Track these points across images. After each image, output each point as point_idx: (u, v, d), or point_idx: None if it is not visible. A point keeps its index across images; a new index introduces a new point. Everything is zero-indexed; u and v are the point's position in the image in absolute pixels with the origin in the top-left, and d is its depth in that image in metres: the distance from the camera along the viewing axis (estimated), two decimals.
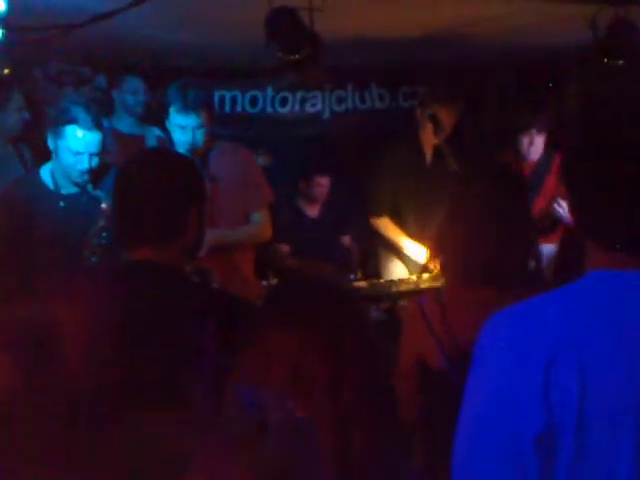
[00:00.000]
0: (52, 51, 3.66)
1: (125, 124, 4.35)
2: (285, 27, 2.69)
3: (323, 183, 4.89)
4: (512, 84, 5.02)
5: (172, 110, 3.19)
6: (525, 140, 4.16)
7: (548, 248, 4.31)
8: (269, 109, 5.22)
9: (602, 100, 1.21)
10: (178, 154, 2.46)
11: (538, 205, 4.52)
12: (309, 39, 2.80)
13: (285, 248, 4.73)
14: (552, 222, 4.33)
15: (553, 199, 4.27)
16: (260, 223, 3.53)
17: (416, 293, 3.75)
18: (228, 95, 5.08)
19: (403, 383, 2.10)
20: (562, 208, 4.01)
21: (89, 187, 2.95)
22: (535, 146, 4.28)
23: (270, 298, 1.51)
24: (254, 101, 5.18)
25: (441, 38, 4.00)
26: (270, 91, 5.19)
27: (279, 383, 1.28)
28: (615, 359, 1.07)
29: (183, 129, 3.19)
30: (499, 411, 1.10)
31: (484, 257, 1.99)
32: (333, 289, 1.45)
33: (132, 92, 4.27)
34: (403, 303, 3.75)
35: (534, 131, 4.16)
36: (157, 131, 4.29)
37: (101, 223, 2.90)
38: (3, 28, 2.20)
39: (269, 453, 1.04)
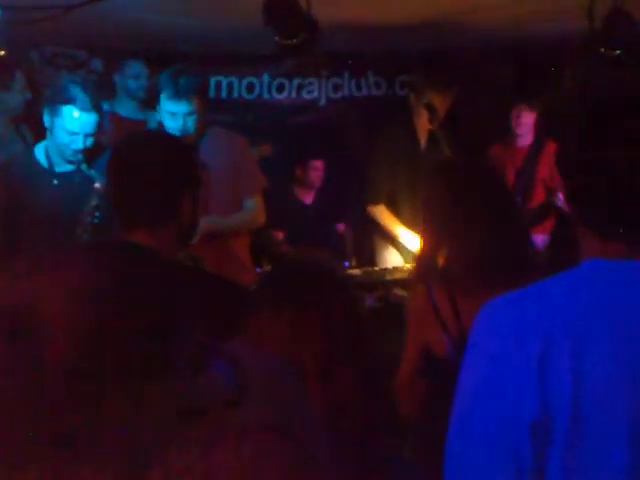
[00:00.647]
0: (48, 33, 3.64)
1: (127, 108, 4.33)
2: (283, 12, 2.68)
3: (319, 167, 4.90)
4: (507, 72, 5.03)
5: (163, 97, 3.17)
6: (514, 114, 4.19)
7: (539, 239, 4.33)
8: (266, 95, 5.19)
9: (600, 89, 1.22)
10: (174, 137, 2.45)
11: (533, 195, 4.54)
12: (306, 24, 2.79)
13: (279, 235, 4.74)
14: (545, 213, 4.36)
15: (552, 192, 4.28)
16: (253, 209, 3.52)
17: (409, 281, 3.76)
18: (225, 81, 5.06)
19: (406, 367, 2.10)
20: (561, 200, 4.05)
21: (83, 166, 2.95)
22: (523, 123, 4.31)
23: (263, 283, 1.51)
24: (251, 87, 5.16)
25: (438, 25, 3.99)
26: (267, 77, 5.16)
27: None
28: (610, 347, 1.07)
29: (174, 116, 3.17)
30: (494, 397, 1.10)
31: (487, 247, 1.99)
32: (327, 275, 1.45)
33: (134, 76, 4.25)
34: (397, 291, 3.75)
35: (524, 106, 4.19)
36: (159, 116, 4.27)
37: (94, 202, 2.90)
38: (1, 8, 2.18)
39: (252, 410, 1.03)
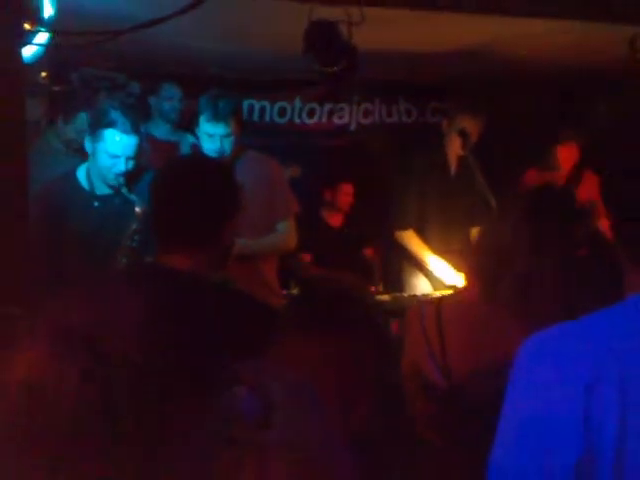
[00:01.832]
0: (88, 56, 3.72)
1: (161, 130, 4.40)
2: (324, 40, 2.71)
3: (348, 191, 4.92)
4: (543, 100, 5.02)
5: (202, 119, 3.23)
6: (560, 150, 4.16)
7: None
8: (296, 120, 5.25)
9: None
10: (215, 161, 2.48)
11: None
12: (347, 52, 2.82)
13: (307, 258, 4.75)
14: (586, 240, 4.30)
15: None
16: (285, 233, 3.55)
17: None
18: (257, 105, 5.13)
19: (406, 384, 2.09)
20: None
21: (124, 190, 2.99)
22: (569, 157, 4.27)
23: (291, 307, 1.51)
24: (282, 111, 5.22)
25: (473, 54, 4.01)
26: (298, 102, 5.22)
27: None
28: None
29: (211, 137, 3.23)
30: (538, 433, 1.09)
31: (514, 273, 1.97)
32: (354, 301, 1.45)
33: (168, 98, 4.32)
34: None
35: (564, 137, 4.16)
36: (191, 138, 4.33)
37: (134, 226, 2.93)
38: (50, 32, 2.23)
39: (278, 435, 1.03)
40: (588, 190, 4.25)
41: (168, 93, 4.34)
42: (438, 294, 3.87)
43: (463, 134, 3.85)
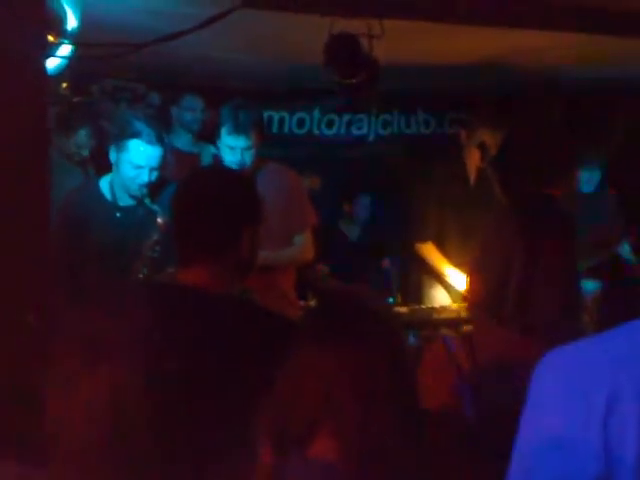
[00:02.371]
0: (109, 67, 3.75)
1: (182, 141, 4.43)
2: (345, 53, 2.72)
3: (366, 203, 4.91)
4: (561, 113, 4.99)
5: (223, 131, 3.24)
6: (581, 175, 4.13)
7: (589, 285, 4.24)
8: (315, 131, 5.26)
9: None
10: (237, 173, 2.49)
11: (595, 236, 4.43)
12: (367, 64, 2.82)
13: (324, 268, 4.74)
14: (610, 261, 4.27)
15: (622, 243, 4.19)
16: (303, 245, 3.54)
17: (457, 321, 3.73)
18: (276, 116, 5.15)
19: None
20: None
21: (147, 200, 3.00)
22: (590, 180, 4.24)
23: (308, 318, 1.50)
24: (301, 122, 5.23)
25: (492, 66, 4.00)
26: (317, 113, 5.23)
27: (309, 406, 1.28)
28: None
29: (233, 150, 3.23)
30: (555, 453, 1.07)
31: (519, 296, 1.95)
32: (372, 313, 1.43)
33: (190, 109, 4.35)
34: (444, 331, 3.72)
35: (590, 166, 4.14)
36: (213, 149, 4.35)
37: (155, 237, 2.94)
38: (74, 44, 2.25)
39: None
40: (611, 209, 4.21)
41: (190, 104, 4.37)
42: (456, 306, 3.86)
43: (482, 147, 3.84)
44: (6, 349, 1.83)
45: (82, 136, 3.90)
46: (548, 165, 4.54)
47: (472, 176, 4.05)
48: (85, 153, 3.96)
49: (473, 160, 3.97)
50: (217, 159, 4.06)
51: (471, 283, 2.25)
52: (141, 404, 1.58)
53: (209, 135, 4.25)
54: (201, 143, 4.44)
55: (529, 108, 4.80)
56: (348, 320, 1.37)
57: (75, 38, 2.28)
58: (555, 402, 1.10)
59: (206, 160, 4.31)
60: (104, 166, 3.20)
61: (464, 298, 3.86)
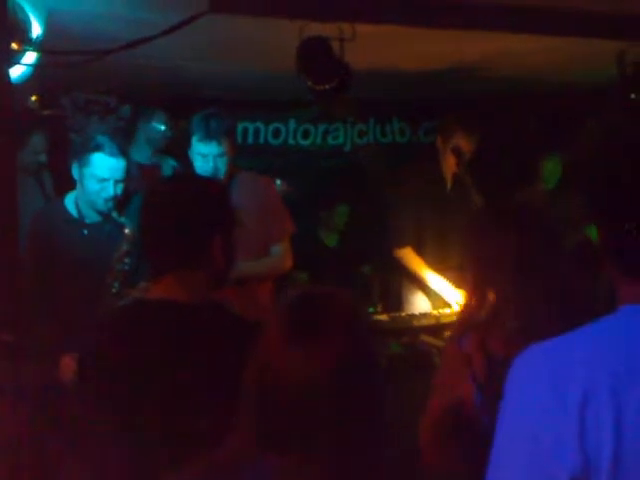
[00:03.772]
0: (80, 79, 3.71)
1: (142, 155, 4.40)
2: (317, 56, 2.70)
3: (344, 212, 4.91)
4: (534, 117, 5.03)
5: (194, 139, 3.20)
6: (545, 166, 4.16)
7: None
8: (291, 141, 5.26)
9: (628, 136, 1.21)
10: (206, 180, 2.44)
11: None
12: (339, 69, 2.81)
13: (302, 275, 4.72)
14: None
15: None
16: (280, 255, 3.51)
17: (438, 328, 3.71)
18: (251, 127, 5.13)
19: (434, 430, 2.00)
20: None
21: (114, 214, 2.96)
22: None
23: (277, 313, 1.47)
24: (277, 133, 5.22)
25: (466, 72, 4.01)
26: (293, 123, 5.23)
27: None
28: None
29: (205, 157, 3.19)
30: (532, 451, 1.07)
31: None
32: (342, 310, 1.41)
33: (159, 126, 4.34)
34: (425, 338, 3.69)
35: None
36: (172, 161, 4.34)
37: (124, 248, 2.90)
38: (38, 51, 2.22)
39: None
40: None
41: (159, 120, 4.35)
42: (436, 313, 3.84)
43: (457, 152, 3.84)
44: None
45: (37, 141, 3.84)
46: (519, 167, 4.60)
47: (449, 181, 4.05)
48: (42, 159, 3.90)
49: (449, 165, 3.97)
50: (177, 171, 4.05)
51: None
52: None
53: (170, 149, 4.25)
54: (160, 155, 4.43)
55: (503, 112, 4.83)
56: (318, 317, 1.33)
57: (39, 45, 2.24)
58: (532, 397, 1.10)
59: (167, 172, 4.30)
60: (63, 171, 3.14)
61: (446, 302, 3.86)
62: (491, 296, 1.98)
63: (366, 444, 1.24)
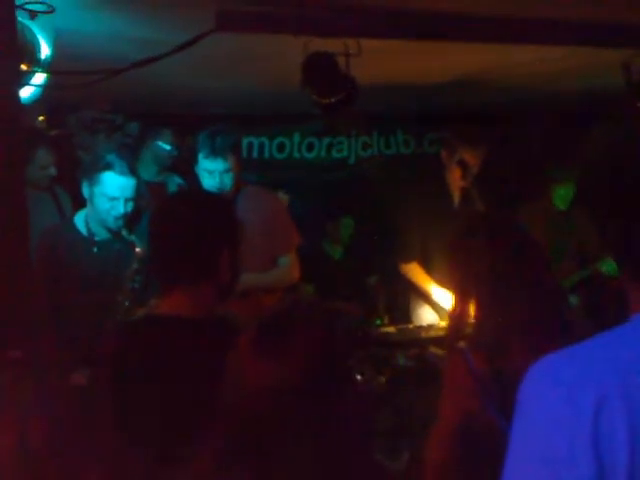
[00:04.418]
0: (86, 98, 3.74)
1: (148, 172, 4.42)
2: (322, 72, 2.72)
3: (349, 224, 4.93)
4: (540, 128, 5.03)
5: (200, 156, 3.24)
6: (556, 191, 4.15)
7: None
8: (296, 154, 5.28)
9: (630, 154, 1.23)
10: (212, 196, 2.47)
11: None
12: (345, 82, 2.83)
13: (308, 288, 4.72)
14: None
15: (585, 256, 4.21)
16: (287, 267, 3.53)
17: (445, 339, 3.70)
18: (256, 141, 5.16)
19: (444, 442, 1.99)
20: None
21: (124, 232, 2.97)
22: (566, 197, 4.26)
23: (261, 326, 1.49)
24: (281, 147, 5.24)
25: (470, 84, 4.03)
26: (297, 137, 5.25)
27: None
28: None
29: (211, 174, 3.23)
30: (546, 461, 1.07)
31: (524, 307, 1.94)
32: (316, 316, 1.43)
33: (165, 145, 4.36)
34: (433, 349, 3.68)
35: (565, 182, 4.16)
36: (178, 179, 4.36)
37: (135, 266, 2.91)
38: (47, 72, 2.24)
39: None
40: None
41: (165, 140, 4.38)
42: (443, 324, 3.83)
43: (463, 165, 3.84)
44: None
45: (42, 155, 3.83)
46: (526, 180, 4.59)
47: (455, 195, 4.04)
48: (52, 172, 3.89)
49: (454, 179, 3.96)
50: (182, 188, 4.06)
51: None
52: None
53: (176, 166, 4.27)
54: (166, 173, 4.45)
55: (508, 124, 4.84)
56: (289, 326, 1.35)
57: (48, 66, 2.27)
58: (545, 407, 1.10)
59: (172, 189, 4.33)
60: (77, 189, 3.14)
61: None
62: (471, 306, 1.99)
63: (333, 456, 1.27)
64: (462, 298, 2.05)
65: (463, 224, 2.22)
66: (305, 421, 1.25)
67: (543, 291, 1.98)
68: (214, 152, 3.17)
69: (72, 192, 3.75)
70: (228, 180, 3.24)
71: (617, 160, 1.20)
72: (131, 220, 3.03)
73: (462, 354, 2.01)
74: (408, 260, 4.05)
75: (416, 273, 4.06)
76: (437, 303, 4.04)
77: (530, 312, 1.92)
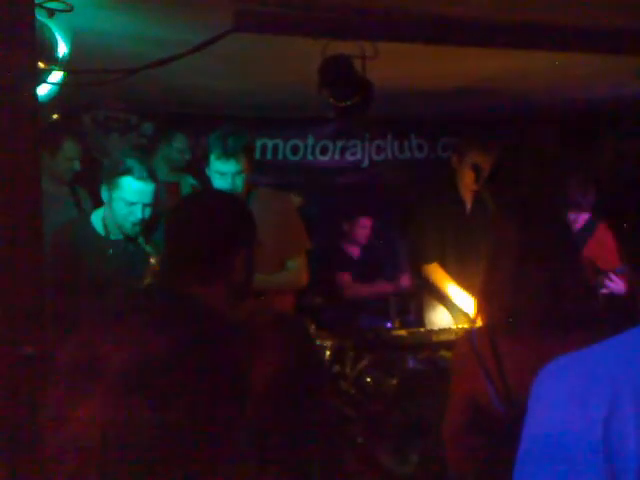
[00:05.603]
0: (101, 97, 3.75)
1: (161, 172, 4.42)
2: (339, 74, 2.72)
3: (366, 225, 4.96)
4: (554, 134, 5.02)
5: (212, 157, 3.21)
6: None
7: None
8: (309, 157, 5.29)
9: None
10: (229, 195, 2.46)
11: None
12: (361, 85, 2.83)
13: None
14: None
15: (604, 273, 4.17)
16: (295, 270, 3.51)
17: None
18: (270, 143, 5.17)
19: (453, 417, 2.05)
20: (614, 283, 3.94)
21: (141, 240, 2.96)
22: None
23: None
24: (295, 149, 5.25)
25: (484, 89, 4.02)
26: (311, 140, 5.26)
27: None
28: None
29: (223, 175, 3.20)
30: (557, 461, 1.06)
31: (532, 306, 1.95)
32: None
33: (179, 148, 4.37)
34: (444, 353, 3.67)
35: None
36: (191, 179, 4.37)
37: (147, 281, 2.90)
38: (64, 70, 2.25)
39: None
40: (601, 240, 4.16)
41: (180, 143, 4.39)
42: (455, 328, 3.82)
43: (475, 169, 3.84)
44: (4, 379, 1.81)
45: (69, 148, 3.78)
46: (540, 185, 4.56)
47: (468, 200, 4.04)
48: (76, 167, 3.85)
49: (466, 183, 3.96)
50: (195, 189, 4.05)
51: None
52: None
53: (189, 167, 4.27)
54: (178, 173, 4.46)
55: (522, 129, 4.83)
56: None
57: (66, 65, 2.28)
58: (556, 412, 1.10)
59: (186, 190, 4.33)
60: (94, 182, 3.14)
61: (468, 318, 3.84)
62: (499, 289, 2.00)
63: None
64: (492, 277, 2.05)
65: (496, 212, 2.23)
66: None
67: (568, 283, 1.98)
68: (226, 154, 3.15)
69: (92, 194, 3.74)
70: (240, 182, 3.22)
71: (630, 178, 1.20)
72: (149, 227, 3.00)
73: (468, 334, 2.07)
74: (429, 261, 4.05)
75: (437, 273, 4.05)
76: (455, 305, 4.03)
77: (549, 301, 1.93)
